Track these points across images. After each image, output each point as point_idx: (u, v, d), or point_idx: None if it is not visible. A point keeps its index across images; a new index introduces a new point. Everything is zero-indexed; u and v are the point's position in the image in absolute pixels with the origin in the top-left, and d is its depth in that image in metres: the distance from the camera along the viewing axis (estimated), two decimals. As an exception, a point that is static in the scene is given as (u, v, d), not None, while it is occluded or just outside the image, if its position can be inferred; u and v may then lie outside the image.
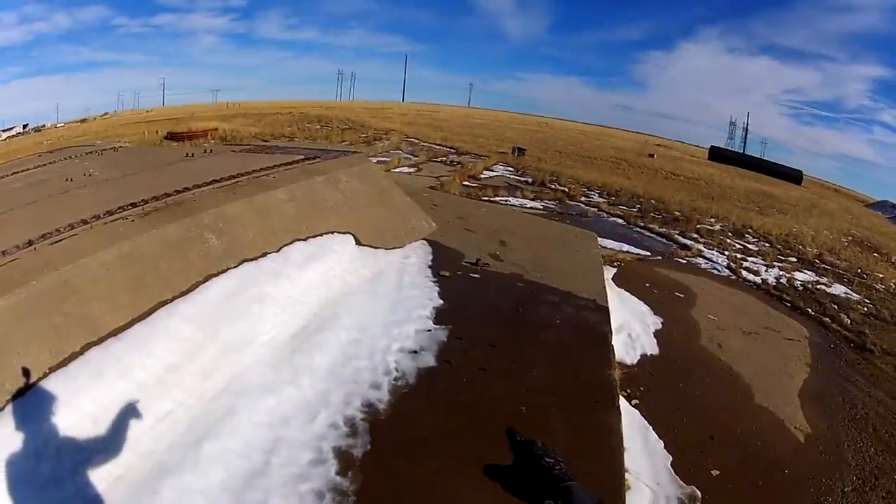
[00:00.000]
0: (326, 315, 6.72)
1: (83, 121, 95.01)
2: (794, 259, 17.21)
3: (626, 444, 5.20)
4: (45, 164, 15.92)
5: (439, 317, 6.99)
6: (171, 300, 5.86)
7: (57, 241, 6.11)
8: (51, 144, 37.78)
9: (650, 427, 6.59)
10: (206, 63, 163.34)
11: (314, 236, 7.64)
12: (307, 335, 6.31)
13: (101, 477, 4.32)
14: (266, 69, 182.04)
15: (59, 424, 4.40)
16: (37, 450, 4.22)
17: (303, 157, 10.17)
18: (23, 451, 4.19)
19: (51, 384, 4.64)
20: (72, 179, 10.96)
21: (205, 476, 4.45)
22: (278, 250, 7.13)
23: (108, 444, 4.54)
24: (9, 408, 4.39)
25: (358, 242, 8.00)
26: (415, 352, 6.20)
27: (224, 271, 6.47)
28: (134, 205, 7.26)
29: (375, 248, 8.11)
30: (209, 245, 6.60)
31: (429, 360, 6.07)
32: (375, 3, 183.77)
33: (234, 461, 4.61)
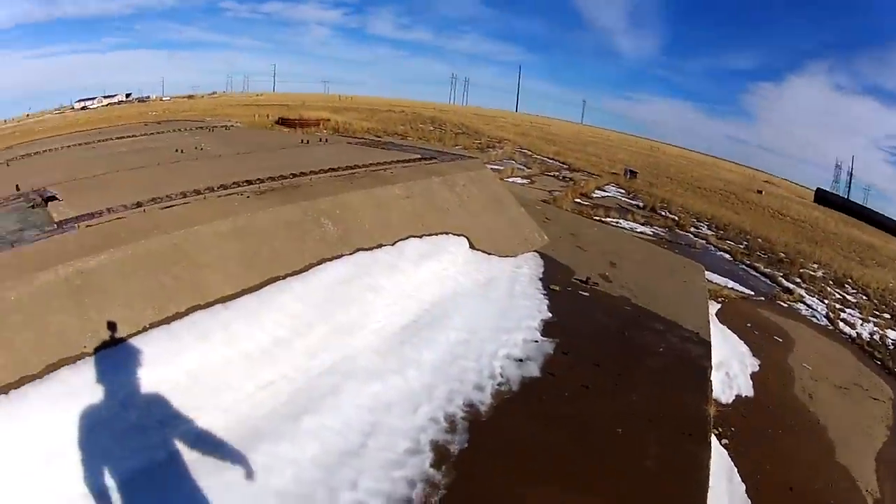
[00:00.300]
0: (438, 313, 6.85)
1: (190, 97, 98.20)
2: (888, 316, 16.44)
3: (710, 481, 5.10)
4: (152, 134, 16.50)
5: (547, 330, 7.04)
6: (284, 277, 6.07)
7: (167, 207, 6.39)
8: (156, 116, 39.05)
9: (735, 469, 6.50)
10: (317, 54, 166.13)
11: (429, 235, 7.77)
12: (417, 329, 6.46)
13: (191, 432, 4.54)
14: (378, 66, 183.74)
15: (153, 378, 4.63)
16: (124, 398, 4.43)
17: (419, 156, 10.31)
18: (107, 397, 4.40)
19: (150, 339, 4.88)
20: (182, 151, 11.31)
21: (300, 447, 4.62)
22: (393, 244, 7.28)
23: (205, 403, 4.73)
24: (99, 355, 4.64)
25: (472, 246, 8.09)
26: (520, 360, 6.27)
27: (338, 257, 6.66)
28: (249, 182, 7.56)
29: (489, 254, 8.18)
30: (325, 230, 6.82)
31: (533, 370, 6.13)
32: (489, 8, 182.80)
33: (330, 438, 4.76)
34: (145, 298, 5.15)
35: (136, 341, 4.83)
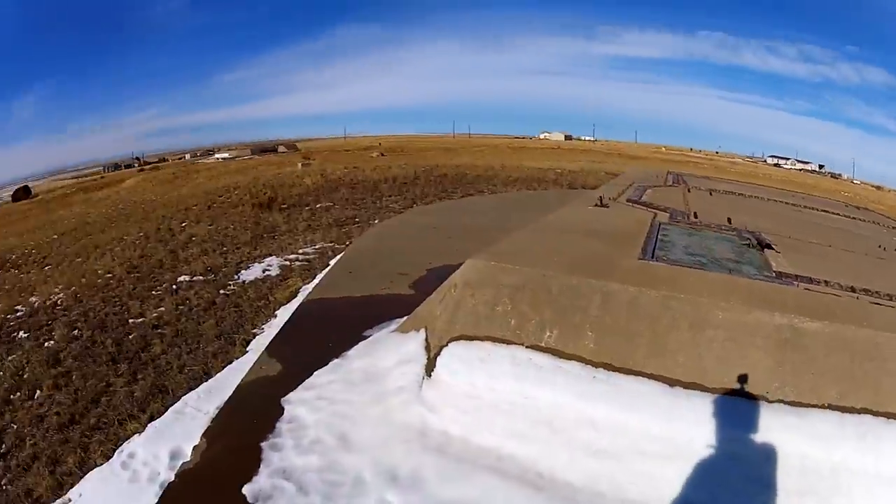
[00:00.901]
0: None
1: (878, 188, 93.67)
2: None
3: None
4: (853, 218, 16.42)
5: None
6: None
7: (875, 303, 6.44)
8: (847, 198, 38.40)
9: None
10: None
11: None
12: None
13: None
14: None
15: (790, 448, 4.99)
16: (762, 452, 4.98)
17: None
18: (748, 443, 5.01)
19: (822, 417, 5.16)
20: (885, 248, 11.18)
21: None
22: None
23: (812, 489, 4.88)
24: (775, 406, 5.20)
25: None
26: None
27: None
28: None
29: None
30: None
31: None
32: None
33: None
34: (833, 380, 5.42)
35: (807, 411, 5.23)
